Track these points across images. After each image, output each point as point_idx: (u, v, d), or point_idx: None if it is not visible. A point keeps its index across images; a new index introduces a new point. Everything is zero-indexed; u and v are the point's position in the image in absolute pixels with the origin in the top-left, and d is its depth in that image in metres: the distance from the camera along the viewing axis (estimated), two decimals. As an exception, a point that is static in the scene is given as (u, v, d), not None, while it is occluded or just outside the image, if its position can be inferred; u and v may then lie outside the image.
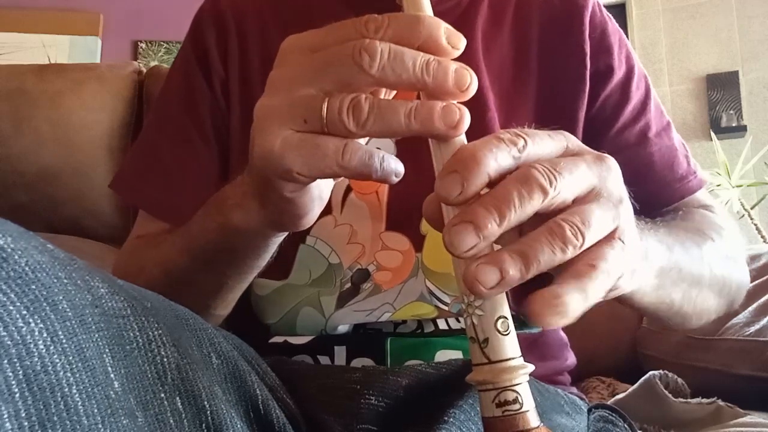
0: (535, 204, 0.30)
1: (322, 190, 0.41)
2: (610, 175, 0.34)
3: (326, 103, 0.33)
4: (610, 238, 0.33)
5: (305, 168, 0.34)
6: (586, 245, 0.31)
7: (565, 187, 0.31)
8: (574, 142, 0.35)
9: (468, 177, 0.30)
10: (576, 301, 0.30)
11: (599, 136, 0.65)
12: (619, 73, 0.67)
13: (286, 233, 0.48)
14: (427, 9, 0.36)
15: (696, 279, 0.53)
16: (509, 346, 0.31)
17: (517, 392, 0.30)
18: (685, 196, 0.67)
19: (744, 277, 0.64)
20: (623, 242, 0.33)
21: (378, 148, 0.60)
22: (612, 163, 0.35)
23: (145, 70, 1.36)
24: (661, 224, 0.51)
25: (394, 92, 0.38)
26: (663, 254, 0.44)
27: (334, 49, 0.33)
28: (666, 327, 0.57)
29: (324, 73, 0.34)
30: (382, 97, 0.37)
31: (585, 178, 0.33)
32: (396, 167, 0.36)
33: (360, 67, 0.32)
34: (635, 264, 0.37)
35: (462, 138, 0.33)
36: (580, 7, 0.67)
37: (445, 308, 0.60)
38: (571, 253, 0.31)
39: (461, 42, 0.34)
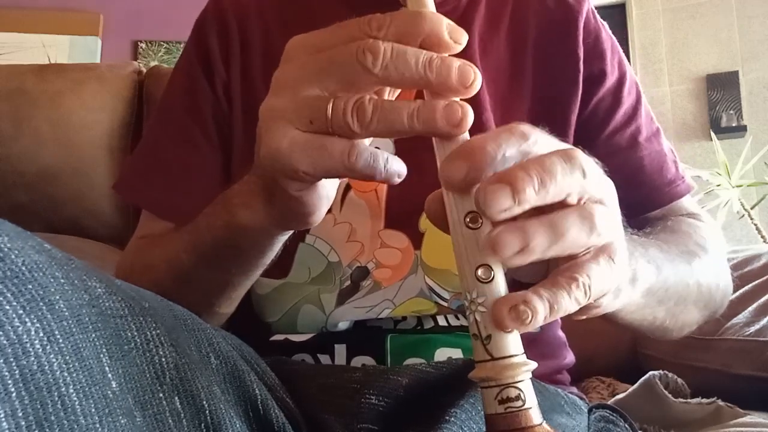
0: (573, 183, 0.30)
1: (328, 189, 0.41)
2: (613, 193, 0.35)
3: (331, 104, 0.33)
4: (600, 253, 0.33)
5: (311, 168, 0.35)
6: (599, 241, 0.32)
7: (593, 183, 0.32)
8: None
9: (474, 166, 0.30)
10: (541, 312, 0.30)
11: (591, 139, 0.66)
12: (611, 78, 0.68)
13: (291, 231, 0.48)
14: (430, 6, 0.36)
15: (682, 297, 0.53)
16: (512, 343, 0.31)
17: (520, 389, 0.30)
18: (674, 199, 0.68)
19: (728, 289, 0.65)
20: (613, 261, 0.33)
21: (377, 148, 0.60)
22: (611, 183, 0.35)
23: (145, 70, 1.36)
24: (652, 240, 0.52)
25: (398, 91, 0.38)
26: (651, 275, 0.44)
27: (338, 49, 0.33)
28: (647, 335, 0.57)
29: (328, 72, 0.34)
30: (386, 96, 0.37)
31: (594, 183, 0.33)
32: (398, 168, 0.36)
33: (363, 67, 0.32)
34: (621, 285, 0.37)
35: (465, 136, 0.33)
36: (575, 12, 0.68)
37: (445, 304, 0.60)
38: (592, 241, 0.31)
39: (463, 37, 0.34)
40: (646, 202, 0.67)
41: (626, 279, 0.39)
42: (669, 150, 0.71)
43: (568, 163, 0.30)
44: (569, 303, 0.30)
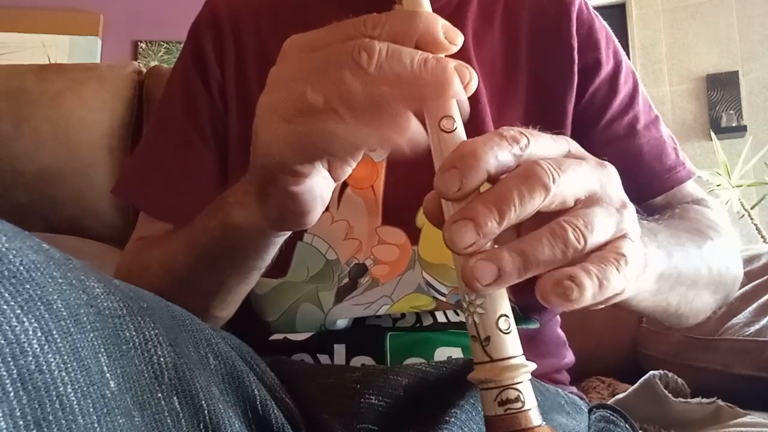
0: (535, 203, 0.30)
1: (323, 189, 0.41)
2: (610, 181, 0.34)
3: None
4: (623, 237, 0.33)
5: (296, 158, 0.35)
6: (588, 249, 0.31)
7: (567, 187, 0.31)
8: (575, 147, 0.35)
9: (467, 173, 0.30)
10: (591, 287, 0.29)
11: (589, 128, 0.67)
12: (606, 68, 0.68)
13: (287, 233, 0.48)
14: (425, 5, 0.36)
15: (694, 281, 0.53)
16: (511, 344, 0.31)
17: (519, 390, 0.30)
18: (675, 186, 0.68)
19: (739, 271, 0.64)
20: (634, 241, 0.33)
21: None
22: (612, 170, 0.35)
23: (145, 70, 1.36)
24: (661, 226, 0.52)
25: None
26: (663, 260, 0.44)
27: (334, 48, 0.34)
28: (662, 324, 0.57)
29: (323, 71, 0.34)
30: None
31: (587, 180, 0.33)
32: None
33: (358, 66, 0.32)
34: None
35: (461, 134, 0.33)
36: (568, 4, 0.68)
37: (443, 299, 0.60)
38: (571, 255, 0.31)
39: (459, 38, 0.34)
40: (647, 190, 0.67)
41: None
42: (669, 137, 0.71)
43: (528, 183, 0.30)
44: (619, 280, 0.30)
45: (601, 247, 0.32)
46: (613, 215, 0.33)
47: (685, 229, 0.57)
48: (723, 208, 0.68)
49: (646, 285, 0.42)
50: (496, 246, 0.31)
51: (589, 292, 0.29)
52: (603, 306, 0.35)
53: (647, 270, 0.41)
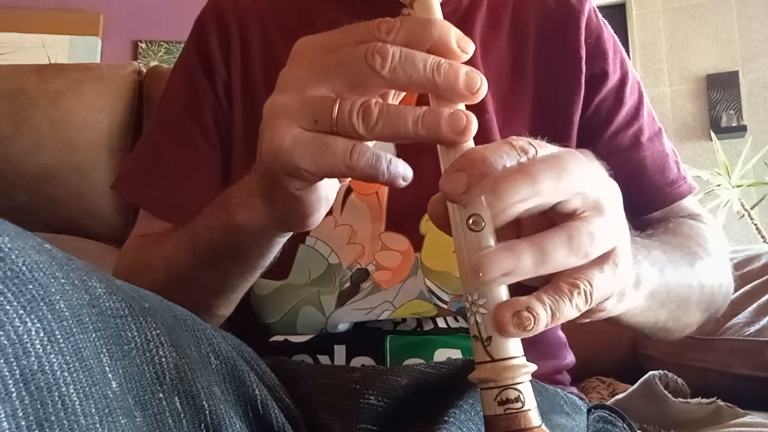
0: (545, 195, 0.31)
1: (328, 190, 0.41)
2: (615, 197, 0.35)
3: (337, 105, 0.33)
4: (603, 259, 0.33)
5: (313, 166, 0.35)
6: (591, 257, 0.32)
7: (574, 185, 0.32)
8: None
9: (474, 177, 0.30)
10: (543, 318, 0.30)
11: (593, 139, 0.66)
12: (613, 78, 0.68)
13: (290, 233, 0.48)
14: (438, 13, 0.36)
15: (685, 299, 0.53)
16: (512, 344, 0.31)
17: (519, 391, 0.30)
18: (676, 200, 0.68)
19: (730, 289, 0.65)
20: (616, 265, 0.33)
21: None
22: (616, 187, 0.36)
23: (145, 70, 1.36)
24: (655, 242, 0.52)
25: (403, 95, 0.38)
26: (655, 278, 0.44)
27: (347, 51, 0.34)
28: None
29: (336, 73, 0.34)
30: (390, 100, 0.38)
31: (593, 188, 0.33)
32: (404, 171, 0.36)
33: (372, 69, 0.33)
34: (626, 288, 0.38)
35: (470, 143, 0.34)
36: (577, 12, 0.68)
37: (445, 306, 0.60)
38: (581, 260, 0.31)
39: (470, 47, 0.34)
40: (648, 203, 0.67)
41: (630, 283, 0.39)
42: (671, 150, 0.70)
43: (531, 179, 0.31)
44: (570, 310, 0.31)
45: (599, 258, 0.33)
46: (614, 227, 0.33)
47: (678, 246, 0.57)
48: (718, 225, 0.68)
49: (638, 301, 0.42)
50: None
51: (542, 322, 0.30)
52: (588, 320, 0.36)
53: (639, 287, 0.41)
